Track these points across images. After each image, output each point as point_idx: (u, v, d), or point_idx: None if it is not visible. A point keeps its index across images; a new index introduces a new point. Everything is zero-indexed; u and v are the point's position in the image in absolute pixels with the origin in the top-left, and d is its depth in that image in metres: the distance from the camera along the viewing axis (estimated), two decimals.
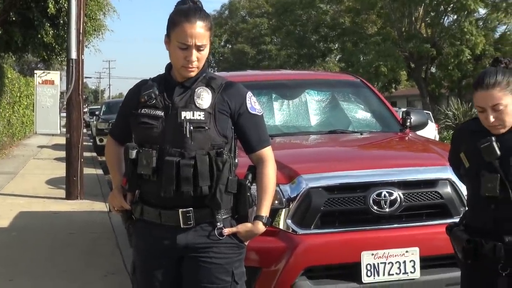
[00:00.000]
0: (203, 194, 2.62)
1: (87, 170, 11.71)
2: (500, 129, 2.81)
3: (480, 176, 2.80)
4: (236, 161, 2.77)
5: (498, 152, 2.76)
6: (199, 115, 2.64)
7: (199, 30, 2.62)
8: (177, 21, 2.63)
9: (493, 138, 2.80)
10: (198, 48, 2.63)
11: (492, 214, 2.82)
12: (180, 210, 2.65)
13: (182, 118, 2.63)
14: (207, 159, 2.61)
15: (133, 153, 2.66)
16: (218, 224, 2.67)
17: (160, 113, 2.67)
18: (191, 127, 2.62)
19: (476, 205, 2.94)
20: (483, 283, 2.91)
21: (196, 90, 2.68)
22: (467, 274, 3.05)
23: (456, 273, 3.69)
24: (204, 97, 2.67)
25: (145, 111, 2.69)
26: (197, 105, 2.65)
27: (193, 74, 2.68)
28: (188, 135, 2.61)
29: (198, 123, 2.63)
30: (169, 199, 2.63)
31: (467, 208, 3.18)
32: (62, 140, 13.83)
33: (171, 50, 2.68)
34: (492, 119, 2.78)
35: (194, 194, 2.61)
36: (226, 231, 2.68)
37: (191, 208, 2.65)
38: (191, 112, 2.64)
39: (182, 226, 2.66)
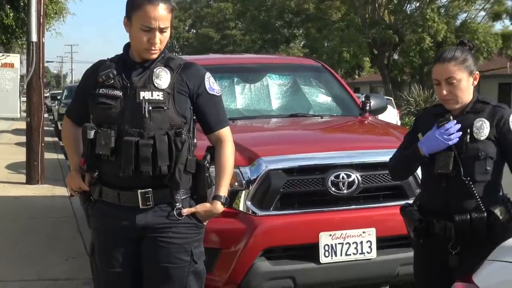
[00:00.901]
0: (162, 173, 2.62)
1: (48, 155, 11.56)
2: (453, 104, 2.89)
3: (435, 154, 2.88)
4: (195, 141, 2.79)
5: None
6: (158, 95, 2.65)
7: (162, 13, 2.62)
8: (139, 3, 2.61)
9: (451, 117, 2.89)
10: (161, 31, 2.63)
11: (444, 192, 2.90)
12: (139, 191, 2.66)
13: (141, 98, 2.63)
14: (166, 139, 2.62)
15: (91, 133, 2.65)
16: (177, 204, 2.69)
17: (118, 93, 2.67)
18: (150, 107, 2.63)
19: (429, 183, 3.02)
20: (435, 262, 2.98)
21: (154, 70, 2.68)
22: (420, 253, 3.13)
23: (411, 253, 3.79)
24: (163, 77, 2.68)
25: (103, 91, 2.69)
26: (156, 85, 2.66)
27: (155, 56, 2.68)
28: (147, 115, 2.62)
29: (157, 103, 2.64)
30: (128, 180, 2.63)
31: (419, 190, 3.28)
32: (22, 125, 13.60)
33: (133, 32, 2.66)
34: (444, 92, 2.87)
35: (153, 174, 2.62)
36: (185, 211, 2.70)
37: (150, 189, 2.66)
38: (150, 92, 2.65)
39: (141, 206, 2.67)
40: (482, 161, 2.84)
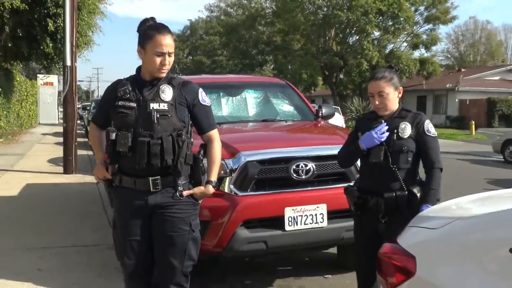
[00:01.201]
0: (168, 165, 2.64)
1: (80, 152, 11.43)
2: (383, 111, 2.96)
3: (371, 148, 2.92)
4: (192, 140, 2.79)
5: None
6: (164, 106, 2.66)
7: (169, 41, 2.65)
8: (152, 34, 2.63)
9: (383, 121, 2.94)
10: (169, 55, 2.66)
11: (376, 177, 2.94)
12: (150, 178, 2.67)
13: (151, 108, 2.64)
14: (170, 139, 2.64)
15: (113, 135, 2.66)
16: (179, 188, 2.71)
17: (133, 104, 2.67)
18: (158, 115, 2.64)
19: (365, 170, 3.06)
20: (368, 228, 3.03)
21: (160, 87, 2.69)
22: (358, 222, 3.16)
23: (352, 222, 3.82)
24: (167, 92, 2.68)
25: (121, 103, 2.68)
26: (162, 98, 2.67)
27: (164, 75, 2.70)
28: (155, 121, 2.63)
29: (163, 112, 2.65)
30: (142, 170, 2.64)
31: (358, 175, 3.30)
32: (60, 129, 13.44)
33: (147, 57, 2.66)
34: (377, 102, 2.93)
35: (161, 165, 2.63)
36: (185, 192, 2.72)
37: (159, 177, 2.67)
38: (157, 104, 2.65)
39: (152, 190, 2.68)
40: (404, 154, 2.89)
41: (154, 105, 2.64)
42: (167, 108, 2.65)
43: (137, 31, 2.71)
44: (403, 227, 2.64)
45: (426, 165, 2.92)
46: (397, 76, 3.01)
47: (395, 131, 2.91)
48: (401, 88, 3.01)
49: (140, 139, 2.61)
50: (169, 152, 2.62)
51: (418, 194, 2.86)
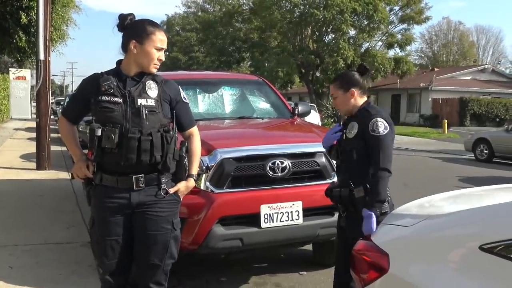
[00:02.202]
0: (156, 161, 2.62)
1: (53, 147, 11.21)
2: (341, 112, 3.08)
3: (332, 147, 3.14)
4: (176, 136, 2.76)
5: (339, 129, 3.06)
6: (151, 102, 2.64)
7: (165, 38, 2.69)
8: (152, 30, 2.64)
9: (341, 121, 3.11)
10: (165, 50, 2.72)
11: (338, 173, 3.13)
12: (133, 176, 2.63)
13: (139, 104, 2.61)
14: (159, 135, 2.63)
15: (99, 131, 2.59)
16: (163, 186, 2.69)
17: (118, 100, 2.62)
18: (146, 111, 2.61)
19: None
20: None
21: (146, 83, 2.67)
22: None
23: (328, 219, 3.86)
24: (153, 89, 2.68)
25: (106, 98, 2.62)
26: (148, 94, 2.65)
27: (155, 70, 2.71)
28: (144, 117, 2.61)
29: (151, 108, 2.64)
30: (127, 167, 2.61)
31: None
32: (33, 124, 13.17)
33: (144, 52, 2.63)
34: (333, 103, 3.10)
35: (150, 162, 2.61)
36: (171, 190, 2.71)
37: (142, 174, 2.64)
38: (145, 99, 2.64)
39: (135, 188, 2.64)
40: (349, 152, 2.91)
41: (141, 101, 2.62)
42: (154, 104, 2.64)
43: (121, 26, 2.66)
44: (351, 222, 2.76)
45: (371, 162, 2.81)
46: (350, 78, 2.98)
47: (345, 130, 2.98)
48: (354, 90, 2.94)
49: (129, 135, 2.57)
50: (158, 148, 2.61)
51: (356, 194, 2.83)
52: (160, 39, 2.64)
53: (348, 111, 3.00)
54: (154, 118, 2.62)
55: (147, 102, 2.62)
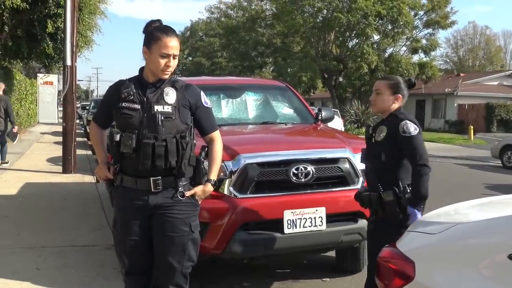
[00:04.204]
0: (172, 167, 2.66)
1: (79, 151, 11.42)
2: (374, 108, 3.11)
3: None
4: (195, 141, 2.80)
5: (369, 133, 3.08)
6: (168, 108, 2.67)
7: (175, 43, 2.65)
8: (158, 36, 2.64)
9: (371, 125, 3.14)
10: (174, 57, 2.67)
11: (366, 178, 3.16)
12: (151, 178, 2.67)
13: (155, 110, 2.65)
14: (174, 141, 2.65)
15: (117, 137, 2.67)
16: (180, 188, 2.72)
17: (137, 106, 2.67)
18: (162, 117, 2.65)
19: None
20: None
21: (164, 89, 2.70)
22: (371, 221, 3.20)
23: (352, 226, 3.83)
24: (170, 95, 2.70)
25: (125, 104, 2.69)
26: (166, 100, 2.68)
27: (167, 76, 2.70)
28: (160, 123, 2.64)
29: (167, 114, 2.66)
30: (144, 171, 2.65)
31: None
32: (59, 128, 13.43)
33: (152, 58, 2.66)
34: (371, 97, 3.12)
35: (165, 167, 2.65)
36: (187, 193, 2.73)
37: (160, 177, 2.67)
38: (162, 106, 2.67)
39: (152, 190, 2.68)
40: (378, 156, 2.98)
41: (158, 108, 2.65)
42: (171, 111, 2.66)
43: (143, 32, 2.72)
44: (376, 227, 2.75)
45: (410, 162, 2.92)
46: (400, 85, 3.10)
47: (374, 135, 3.00)
48: (400, 96, 3.07)
49: (144, 141, 2.62)
50: (173, 154, 2.64)
51: (386, 199, 2.89)
52: (165, 45, 2.61)
53: (381, 110, 3.06)
54: (170, 124, 2.65)
55: (163, 108, 2.65)
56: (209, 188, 2.80)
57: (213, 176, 2.81)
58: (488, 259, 1.78)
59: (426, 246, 2.04)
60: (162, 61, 2.63)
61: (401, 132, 2.90)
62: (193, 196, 2.76)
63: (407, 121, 2.95)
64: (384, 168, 2.94)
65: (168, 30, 2.66)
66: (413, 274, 1.93)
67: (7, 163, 10.63)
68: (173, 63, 2.67)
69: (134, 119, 2.65)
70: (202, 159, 2.79)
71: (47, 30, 13.75)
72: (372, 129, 3.09)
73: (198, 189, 2.77)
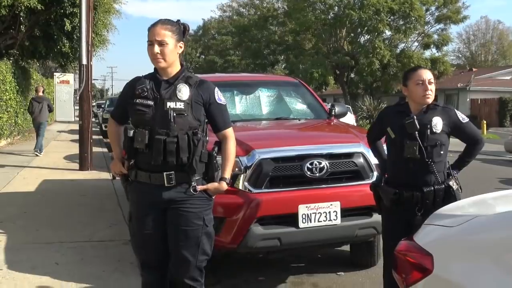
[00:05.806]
0: (183, 163, 2.64)
1: (95, 149, 11.52)
2: (430, 100, 3.05)
3: (404, 143, 2.97)
4: (207, 138, 2.79)
5: (418, 126, 2.96)
6: (180, 105, 2.66)
7: (158, 30, 2.64)
8: (148, 28, 2.67)
9: (414, 117, 2.96)
10: (160, 43, 2.63)
11: (412, 171, 2.97)
12: (165, 173, 2.67)
13: (168, 107, 2.64)
14: (186, 137, 2.64)
15: (131, 133, 2.70)
16: (193, 183, 2.70)
17: (150, 102, 2.67)
18: (174, 114, 2.64)
19: (398, 165, 3.06)
20: (402, 221, 3.01)
21: (177, 85, 2.69)
22: (389, 216, 3.13)
23: (366, 220, 3.81)
24: (184, 91, 2.68)
25: (139, 101, 2.69)
26: (179, 97, 2.67)
27: (161, 64, 2.67)
28: (172, 120, 2.63)
29: (179, 111, 2.65)
30: (157, 166, 2.65)
31: (390, 168, 3.20)
32: (76, 127, 13.53)
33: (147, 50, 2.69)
34: (427, 91, 3.03)
35: (176, 163, 2.63)
36: (199, 187, 2.72)
37: (173, 172, 2.67)
38: (174, 102, 2.65)
39: (166, 185, 2.68)
40: (438, 148, 2.97)
41: (170, 104, 2.64)
42: (183, 107, 2.65)
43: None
44: None
45: (469, 141, 3.13)
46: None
47: (428, 126, 2.96)
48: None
49: (156, 137, 2.62)
50: (185, 150, 2.63)
51: (455, 187, 2.98)
52: (150, 33, 2.63)
53: (424, 101, 3.04)
54: (182, 121, 2.64)
55: (176, 105, 2.64)
56: (224, 186, 2.78)
57: (227, 174, 2.79)
58: (508, 252, 1.74)
59: (445, 239, 2.01)
60: (149, 50, 2.65)
61: (461, 119, 3.06)
62: (205, 191, 2.75)
63: (454, 109, 3.11)
64: (439, 159, 2.97)
65: (159, 20, 2.69)
66: (432, 267, 1.90)
67: (39, 155, 10.84)
68: (161, 49, 2.62)
69: (147, 115, 2.66)
70: (215, 154, 2.77)
71: (65, 28, 13.85)
72: (419, 121, 2.97)
73: (211, 186, 2.76)
